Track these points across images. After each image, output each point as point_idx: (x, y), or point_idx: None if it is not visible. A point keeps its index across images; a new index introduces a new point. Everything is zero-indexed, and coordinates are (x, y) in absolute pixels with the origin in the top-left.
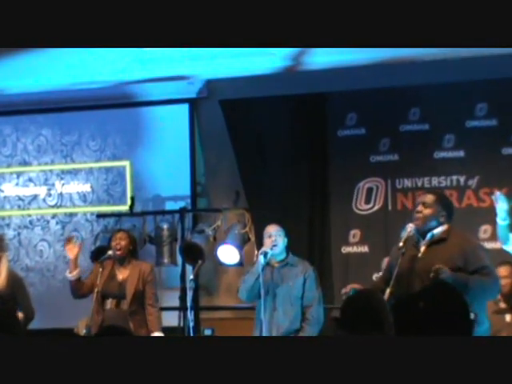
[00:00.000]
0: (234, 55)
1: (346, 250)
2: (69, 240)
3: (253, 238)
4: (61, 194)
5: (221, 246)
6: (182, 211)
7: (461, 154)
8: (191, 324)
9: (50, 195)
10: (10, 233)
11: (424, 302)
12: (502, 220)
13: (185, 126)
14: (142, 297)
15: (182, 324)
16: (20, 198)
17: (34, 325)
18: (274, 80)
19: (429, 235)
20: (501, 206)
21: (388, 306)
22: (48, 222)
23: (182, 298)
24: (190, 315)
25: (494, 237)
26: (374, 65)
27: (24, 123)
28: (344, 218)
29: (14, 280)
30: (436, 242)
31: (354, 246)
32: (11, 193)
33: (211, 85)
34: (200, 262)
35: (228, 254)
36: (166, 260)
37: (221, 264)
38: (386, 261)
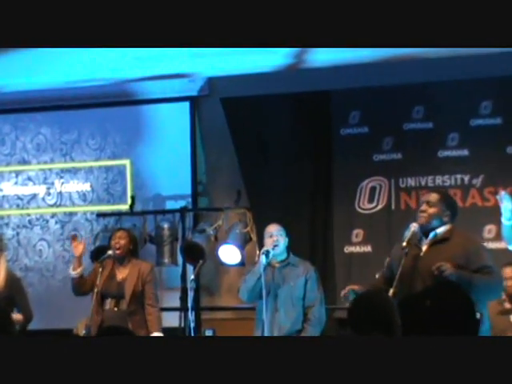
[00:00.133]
0: (235, 53)
1: (348, 249)
2: (74, 237)
3: (254, 237)
4: (60, 193)
5: (222, 245)
6: (182, 210)
7: (465, 152)
8: (192, 325)
9: (49, 194)
10: (8, 232)
11: (430, 301)
12: (506, 220)
13: (186, 124)
14: (141, 297)
15: (182, 325)
16: (19, 197)
17: (33, 325)
18: (276, 78)
19: (431, 234)
20: (506, 205)
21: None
22: (47, 221)
23: (183, 299)
24: (191, 316)
25: (498, 237)
26: (377, 62)
27: (23, 121)
28: (347, 217)
29: (12, 280)
30: (439, 241)
31: (357, 246)
32: (10, 192)
33: (212, 82)
34: (201, 261)
35: (229, 253)
36: (166, 260)
37: (222, 264)
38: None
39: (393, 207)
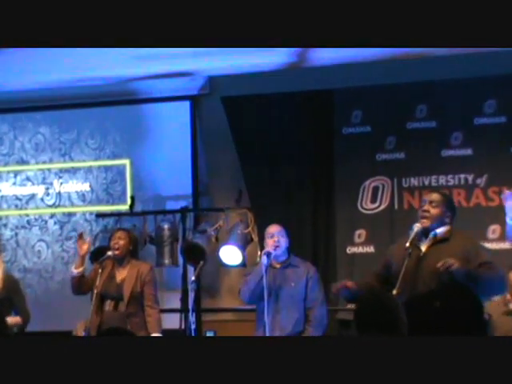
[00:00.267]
0: (236, 51)
1: (351, 250)
2: (81, 235)
3: (256, 238)
4: (59, 194)
5: (223, 246)
6: (183, 211)
7: (469, 151)
8: (193, 326)
9: (48, 194)
10: (7, 233)
11: (440, 302)
12: (511, 220)
13: (186, 123)
14: (140, 298)
15: (183, 326)
16: (17, 198)
17: (31, 327)
18: (278, 77)
19: (431, 234)
20: (510, 205)
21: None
22: (46, 221)
23: (184, 300)
24: (192, 317)
25: (502, 237)
26: (380, 61)
27: (21, 121)
28: (349, 217)
29: (10, 282)
30: (438, 241)
31: (360, 247)
32: (8, 192)
33: (213, 81)
34: (202, 262)
35: (230, 254)
36: (166, 261)
37: (223, 265)
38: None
39: (396, 207)
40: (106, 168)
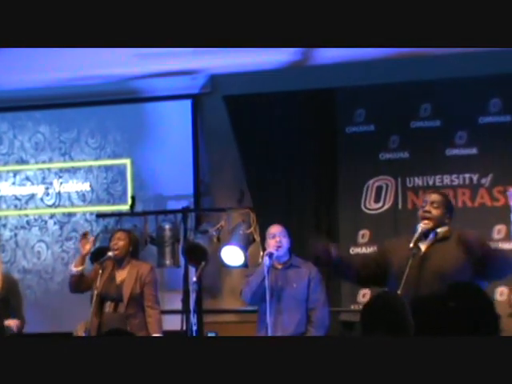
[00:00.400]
0: (238, 50)
1: (354, 250)
2: (85, 234)
3: (258, 238)
4: (59, 194)
5: (225, 246)
6: (184, 211)
7: (473, 151)
8: (194, 327)
9: (47, 194)
10: (6, 233)
11: (455, 302)
12: None
13: (188, 122)
14: (140, 299)
15: (184, 327)
16: (17, 198)
17: (31, 328)
18: (280, 75)
19: (432, 234)
20: None
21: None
22: (46, 222)
23: (185, 301)
24: (193, 318)
25: (508, 237)
26: (384, 59)
27: (21, 120)
28: (352, 217)
29: (8, 283)
30: (439, 240)
31: (363, 247)
32: (8, 192)
33: (215, 80)
34: (203, 263)
35: (232, 255)
36: (167, 261)
37: (225, 265)
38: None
39: (399, 207)
40: (107, 167)
